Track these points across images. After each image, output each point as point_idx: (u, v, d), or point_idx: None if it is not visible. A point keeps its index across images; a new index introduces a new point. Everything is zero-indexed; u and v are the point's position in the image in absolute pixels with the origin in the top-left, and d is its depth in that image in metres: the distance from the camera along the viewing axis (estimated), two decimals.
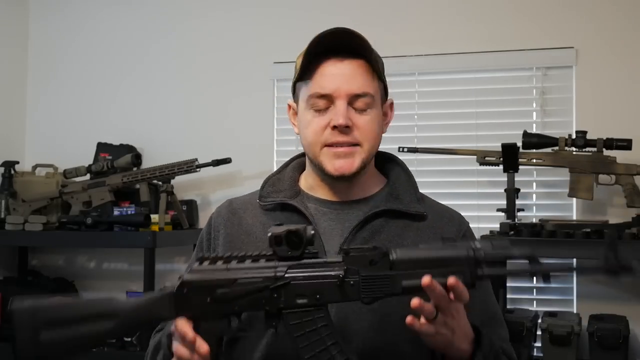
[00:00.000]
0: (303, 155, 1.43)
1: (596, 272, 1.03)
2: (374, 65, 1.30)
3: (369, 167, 1.34)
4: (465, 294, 1.04)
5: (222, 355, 1.18)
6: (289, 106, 1.40)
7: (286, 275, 1.08)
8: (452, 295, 1.04)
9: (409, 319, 1.06)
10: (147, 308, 1.12)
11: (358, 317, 1.22)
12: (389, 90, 1.38)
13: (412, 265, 1.05)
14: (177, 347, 1.11)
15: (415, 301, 1.03)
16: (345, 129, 1.26)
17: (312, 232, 1.09)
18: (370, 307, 1.11)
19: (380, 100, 1.33)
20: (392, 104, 1.39)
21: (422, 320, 1.06)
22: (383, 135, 1.36)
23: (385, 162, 1.43)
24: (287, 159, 1.47)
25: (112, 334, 1.11)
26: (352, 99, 1.28)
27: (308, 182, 1.39)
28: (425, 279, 1.02)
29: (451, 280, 1.02)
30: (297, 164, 1.44)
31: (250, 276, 1.09)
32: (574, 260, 2.44)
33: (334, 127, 1.26)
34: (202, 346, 1.08)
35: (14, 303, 1.09)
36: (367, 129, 1.29)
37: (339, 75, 1.27)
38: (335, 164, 1.28)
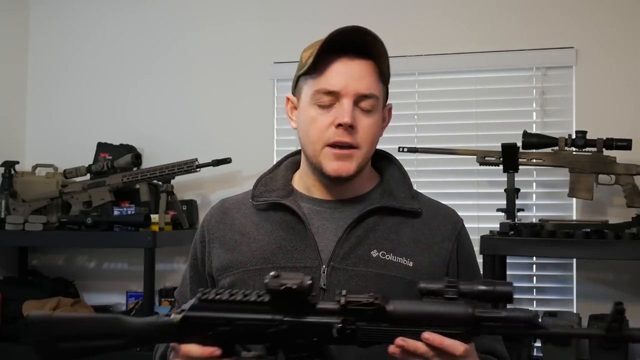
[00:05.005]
0: (296, 153, 1.41)
1: (597, 339, 1.03)
2: (382, 69, 1.30)
3: (364, 169, 1.33)
4: (457, 349, 1.03)
5: None
6: (288, 99, 1.38)
7: (284, 319, 1.07)
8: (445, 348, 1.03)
9: None
10: (152, 333, 1.17)
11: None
12: (389, 90, 1.38)
13: (409, 320, 1.04)
14: None
15: None
16: (349, 128, 1.25)
17: (309, 282, 1.06)
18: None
19: (382, 104, 1.33)
20: (390, 108, 1.39)
21: None
22: (382, 135, 1.36)
23: (378, 160, 1.42)
24: None
25: (120, 350, 1.17)
26: (358, 99, 1.27)
27: (303, 180, 1.38)
28: (420, 346, 1.02)
29: (425, 335, 1.02)
30: (291, 162, 1.42)
31: (250, 317, 1.09)
32: (576, 320, 2.46)
33: (339, 125, 1.25)
34: (215, 352, 1.09)
35: (30, 314, 1.18)
36: (369, 131, 1.28)
37: (348, 74, 1.26)
38: (334, 166, 1.27)
